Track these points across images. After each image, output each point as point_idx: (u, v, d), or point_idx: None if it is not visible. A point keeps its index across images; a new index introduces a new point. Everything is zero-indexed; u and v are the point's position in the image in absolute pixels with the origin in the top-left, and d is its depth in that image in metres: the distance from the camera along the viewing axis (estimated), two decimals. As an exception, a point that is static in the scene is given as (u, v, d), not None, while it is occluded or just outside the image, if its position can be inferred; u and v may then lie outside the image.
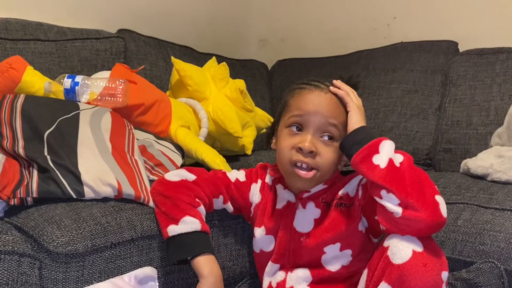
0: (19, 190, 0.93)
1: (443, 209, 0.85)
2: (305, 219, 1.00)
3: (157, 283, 0.93)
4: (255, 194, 1.07)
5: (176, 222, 0.94)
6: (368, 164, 0.88)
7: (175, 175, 1.03)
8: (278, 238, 1.02)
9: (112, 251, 0.91)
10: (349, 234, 0.97)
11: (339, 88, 0.97)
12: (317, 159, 0.95)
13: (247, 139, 1.54)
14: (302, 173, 0.95)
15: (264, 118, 1.64)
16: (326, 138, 0.95)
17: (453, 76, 1.77)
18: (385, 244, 0.87)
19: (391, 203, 0.85)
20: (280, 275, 1.01)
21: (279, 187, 1.05)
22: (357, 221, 0.97)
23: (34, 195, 0.93)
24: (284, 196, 1.04)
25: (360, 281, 0.94)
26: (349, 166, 0.97)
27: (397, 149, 1.83)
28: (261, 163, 1.13)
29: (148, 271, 0.93)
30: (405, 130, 1.79)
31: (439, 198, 0.85)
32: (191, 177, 1.02)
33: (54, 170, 0.96)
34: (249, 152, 1.55)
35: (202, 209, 1.00)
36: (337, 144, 0.95)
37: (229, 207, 1.07)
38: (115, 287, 0.85)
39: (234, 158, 1.51)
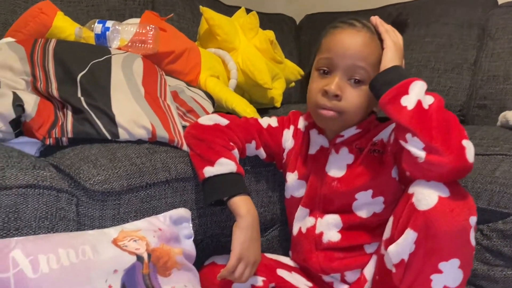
0: (54, 130, 0.94)
1: (470, 154, 0.81)
2: (337, 164, 0.99)
3: (191, 225, 0.94)
4: (287, 139, 1.06)
5: (211, 163, 0.94)
6: (395, 105, 0.84)
7: (208, 119, 1.02)
8: (309, 182, 1.01)
9: (147, 192, 0.91)
10: (382, 181, 0.96)
11: (377, 25, 0.93)
12: (342, 103, 0.92)
13: (276, 92, 1.51)
14: (323, 112, 0.94)
15: (294, 70, 1.60)
16: (354, 81, 0.92)
17: (491, 30, 1.70)
18: (410, 191, 0.85)
19: (415, 147, 0.83)
20: (310, 220, 1.01)
21: (313, 132, 1.04)
22: (390, 168, 0.95)
23: (69, 135, 0.93)
24: (318, 141, 1.02)
25: (385, 230, 0.92)
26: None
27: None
28: (293, 110, 1.11)
29: (183, 212, 0.93)
30: (438, 85, 1.74)
31: (466, 143, 0.82)
32: (224, 121, 1.02)
33: (88, 111, 0.96)
34: (278, 104, 1.53)
35: (236, 152, 0.99)
36: (366, 87, 0.92)
37: (262, 153, 1.06)
38: (151, 226, 0.85)
39: (263, 111, 1.49)
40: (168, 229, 0.87)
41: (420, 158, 0.82)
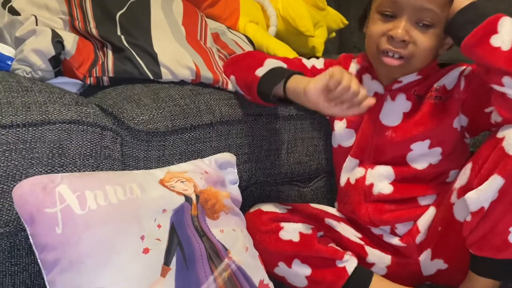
0: (94, 69, 0.89)
1: None
2: (393, 111, 0.92)
3: (236, 170, 0.90)
4: None
5: (260, 65, 0.89)
6: (485, 46, 0.76)
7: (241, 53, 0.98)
8: (360, 131, 0.95)
9: (192, 134, 0.87)
10: (442, 130, 0.89)
11: None
12: (410, 48, 0.84)
13: (318, 40, 1.43)
14: (387, 59, 0.86)
15: (336, 18, 1.52)
16: (422, 25, 0.84)
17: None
18: (499, 135, 0.77)
19: None
20: (359, 171, 0.95)
21: (366, 77, 0.96)
22: (453, 117, 0.88)
23: (110, 74, 0.89)
24: (372, 87, 0.95)
25: (459, 176, 0.86)
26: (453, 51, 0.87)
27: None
28: (344, 53, 1.04)
29: (228, 156, 0.89)
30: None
31: None
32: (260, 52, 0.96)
33: (129, 50, 0.91)
34: (319, 54, 1.45)
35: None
36: (436, 30, 0.84)
37: None
38: (197, 168, 0.82)
39: (302, 61, 1.42)
40: (214, 172, 0.83)
41: None
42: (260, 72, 0.88)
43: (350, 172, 0.97)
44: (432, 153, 0.90)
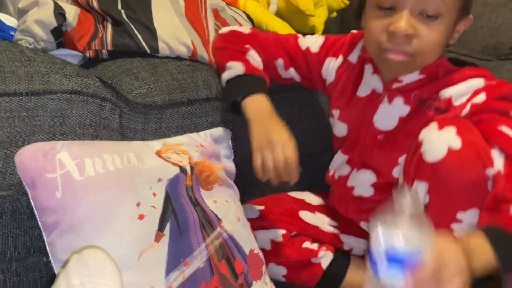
0: (94, 42, 0.91)
1: None
2: (388, 115, 0.85)
3: (231, 145, 0.92)
4: (329, 71, 0.93)
5: (224, 69, 0.90)
6: None
7: (227, 28, 0.97)
8: (354, 128, 0.90)
9: (189, 108, 0.90)
10: None
11: None
12: (415, 43, 0.76)
13: (318, 20, 1.44)
14: (391, 55, 0.78)
15: (337, -3, 1.52)
16: (427, 16, 0.75)
17: (553, -40, 1.57)
18: (420, 137, 0.75)
19: None
20: (345, 169, 0.92)
21: (368, 69, 0.88)
22: None
23: (109, 47, 0.91)
24: (371, 82, 0.88)
25: (399, 177, 0.84)
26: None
27: (478, 43, 1.63)
28: (354, 32, 0.93)
29: (223, 131, 0.91)
30: (488, 21, 1.63)
31: None
32: (245, 30, 0.95)
33: (128, 24, 0.93)
34: (319, 34, 1.45)
35: (252, 54, 0.91)
36: (444, 21, 0.75)
37: (294, 75, 0.95)
38: (193, 141, 0.84)
39: (302, 40, 1.43)
40: (209, 146, 0.86)
41: None
42: (222, 79, 0.90)
43: (337, 166, 0.95)
44: None
